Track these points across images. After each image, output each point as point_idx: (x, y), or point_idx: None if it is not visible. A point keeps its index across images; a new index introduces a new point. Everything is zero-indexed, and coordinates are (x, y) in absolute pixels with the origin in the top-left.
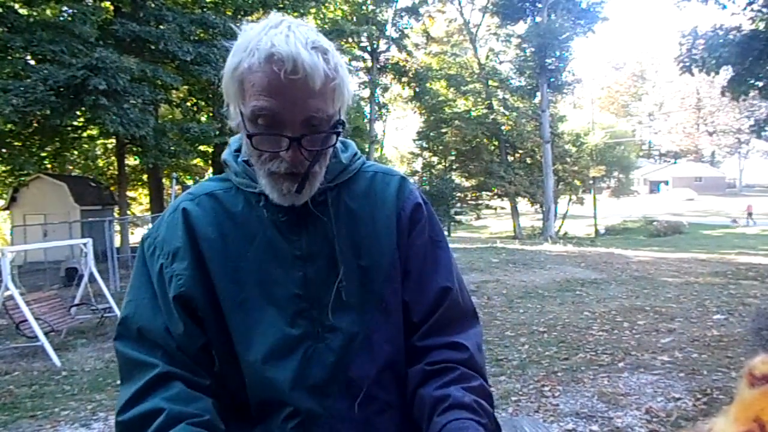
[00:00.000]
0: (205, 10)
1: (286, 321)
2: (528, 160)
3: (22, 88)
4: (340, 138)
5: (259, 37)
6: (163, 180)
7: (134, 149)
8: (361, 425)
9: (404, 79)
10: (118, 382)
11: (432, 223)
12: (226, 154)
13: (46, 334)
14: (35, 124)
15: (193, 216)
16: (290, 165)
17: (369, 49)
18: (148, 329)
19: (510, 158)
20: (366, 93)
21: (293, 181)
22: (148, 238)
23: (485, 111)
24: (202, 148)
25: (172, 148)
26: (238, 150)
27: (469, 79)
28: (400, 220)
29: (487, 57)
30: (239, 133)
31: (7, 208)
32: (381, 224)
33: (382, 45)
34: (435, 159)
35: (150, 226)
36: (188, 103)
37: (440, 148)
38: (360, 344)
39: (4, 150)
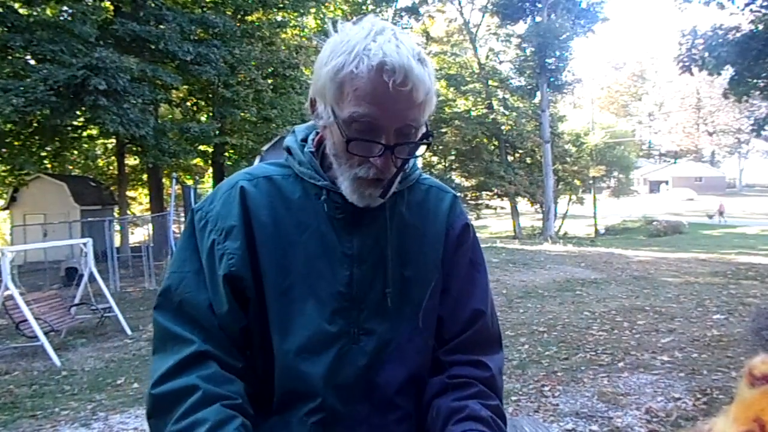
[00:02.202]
0: (205, 9)
1: (325, 317)
2: (528, 160)
3: (22, 88)
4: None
5: (366, 43)
6: (163, 180)
7: (134, 149)
8: (379, 431)
9: None
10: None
11: (475, 246)
12: (290, 142)
13: (46, 333)
14: (35, 124)
15: (251, 196)
16: (378, 171)
17: None
18: (190, 303)
19: (510, 158)
20: None
21: (377, 186)
22: (200, 211)
23: (485, 111)
24: (202, 147)
25: (172, 147)
26: (304, 140)
27: (469, 79)
28: (448, 237)
29: (487, 57)
30: (313, 123)
31: (7, 208)
32: (430, 238)
33: None
34: (435, 159)
35: (150, 225)
36: (188, 103)
37: (440, 148)
38: (392, 351)
39: (4, 150)
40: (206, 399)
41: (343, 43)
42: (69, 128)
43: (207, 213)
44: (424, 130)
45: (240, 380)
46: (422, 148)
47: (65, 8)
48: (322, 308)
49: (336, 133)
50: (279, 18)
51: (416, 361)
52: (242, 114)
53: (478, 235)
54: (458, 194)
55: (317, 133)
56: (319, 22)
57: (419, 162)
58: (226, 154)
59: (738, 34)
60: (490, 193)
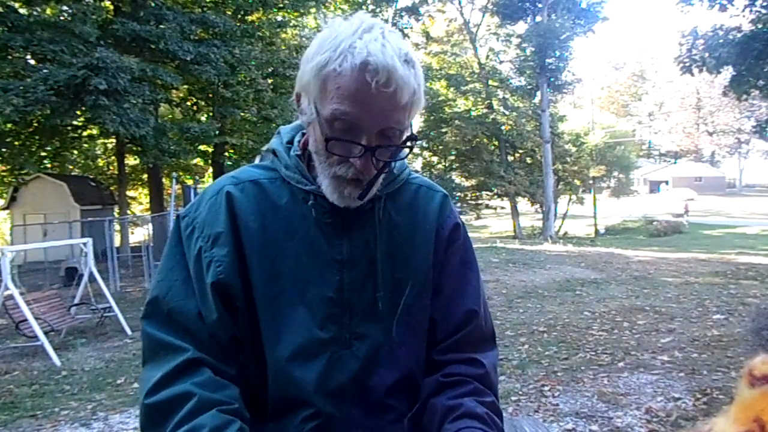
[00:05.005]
0: (205, 9)
1: (316, 323)
2: (528, 160)
3: (22, 88)
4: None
5: (352, 40)
6: (163, 180)
7: (134, 149)
8: None
9: None
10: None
11: (466, 245)
12: (276, 144)
13: (45, 333)
14: (35, 124)
15: (237, 201)
16: (358, 172)
17: None
18: (179, 312)
19: (510, 158)
20: None
21: (356, 186)
22: (186, 218)
23: (485, 111)
24: (202, 147)
25: (172, 147)
26: (290, 141)
27: (469, 79)
28: (438, 237)
29: (487, 57)
30: (298, 124)
31: (7, 208)
32: (420, 239)
33: None
34: (435, 159)
35: (150, 225)
36: (188, 103)
37: (440, 148)
38: (384, 355)
39: (4, 150)
40: (203, 405)
41: (330, 39)
42: (69, 128)
43: (193, 219)
44: (408, 132)
45: (235, 386)
46: (405, 151)
47: (65, 8)
48: (312, 314)
49: (317, 130)
50: (279, 18)
51: (409, 362)
52: (242, 114)
53: (478, 235)
54: (450, 193)
55: (303, 134)
56: (319, 22)
57: (419, 163)
58: (227, 154)
59: (739, 35)
60: (490, 193)
